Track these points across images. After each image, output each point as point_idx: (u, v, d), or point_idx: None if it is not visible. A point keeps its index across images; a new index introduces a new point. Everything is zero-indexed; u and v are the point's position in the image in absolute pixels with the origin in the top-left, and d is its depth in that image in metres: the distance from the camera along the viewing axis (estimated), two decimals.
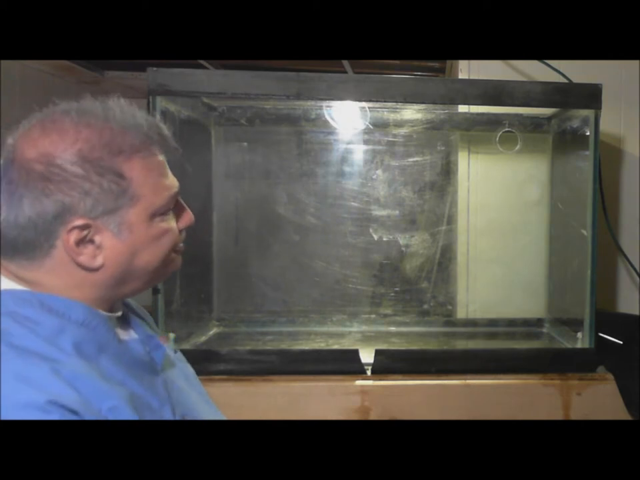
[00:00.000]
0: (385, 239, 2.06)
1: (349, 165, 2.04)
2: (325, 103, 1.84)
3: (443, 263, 2.08)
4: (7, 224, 0.80)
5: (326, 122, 1.91)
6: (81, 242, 0.81)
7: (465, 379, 1.63)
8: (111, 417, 0.77)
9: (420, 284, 2.09)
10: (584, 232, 1.73)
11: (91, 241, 0.82)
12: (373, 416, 1.59)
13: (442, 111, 2.00)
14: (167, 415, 0.87)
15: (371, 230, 2.05)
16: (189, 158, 1.74)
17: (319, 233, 2.05)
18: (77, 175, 0.79)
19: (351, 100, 1.68)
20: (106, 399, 0.77)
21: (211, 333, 1.98)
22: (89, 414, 0.74)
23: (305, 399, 1.58)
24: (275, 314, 2.06)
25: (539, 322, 2.08)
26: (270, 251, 2.05)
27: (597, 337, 1.72)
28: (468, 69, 2.01)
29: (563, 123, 1.96)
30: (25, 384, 0.72)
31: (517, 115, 1.97)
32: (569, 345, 1.82)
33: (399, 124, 2.01)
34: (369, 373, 1.64)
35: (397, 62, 2.44)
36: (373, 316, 2.08)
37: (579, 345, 1.73)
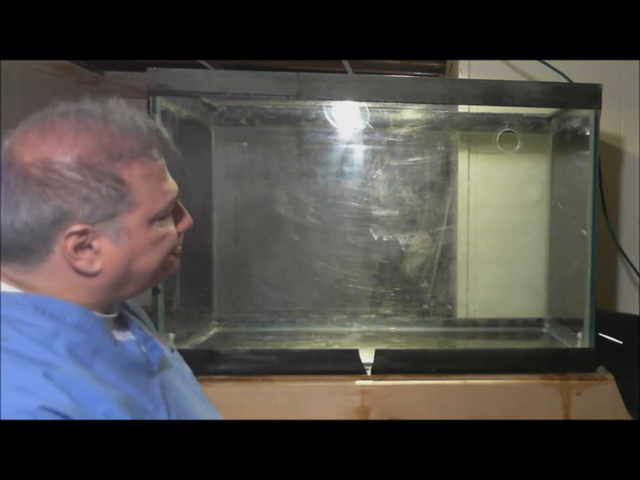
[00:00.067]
0: (384, 239, 2.06)
1: (349, 165, 2.04)
2: (325, 103, 1.84)
3: (442, 263, 2.08)
4: (3, 228, 0.78)
5: (326, 122, 1.91)
6: (78, 247, 0.79)
7: (465, 379, 1.63)
8: None
9: (420, 284, 2.09)
10: (584, 232, 1.73)
11: (89, 247, 0.80)
12: (373, 416, 1.59)
13: (442, 111, 2.00)
14: (162, 417, 0.86)
15: (370, 230, 2.05)
16: (189, 158, 1.74)
17: (319, 233, 2.05)
18: (75, 180, 0.77)
19: (351, 100, 1.68)
20: (100, 402, 0.76)
21: (211, 333, 1.98)
22: (82, 419, 0.73)
23: (305, 398, 1.58)
24: (275, 314, 2.06)
25: (538, 322, 2.08)
26: (270, 251, 2.05)
27: (597, 336, 1.72)
28: (468, 69, 2.01)
29: (563, 123, 1.96)
30: (17, 390, 0.71)
31: (517, 115, 1.97)
32: (569, 345, 1.82)
33: (399, 124, 2.01)
34: (369, 373, 1.64)
35: (397, 62, 2.44)
36: (373, 316, 2.07)
37: (578, 345, 1.73)
